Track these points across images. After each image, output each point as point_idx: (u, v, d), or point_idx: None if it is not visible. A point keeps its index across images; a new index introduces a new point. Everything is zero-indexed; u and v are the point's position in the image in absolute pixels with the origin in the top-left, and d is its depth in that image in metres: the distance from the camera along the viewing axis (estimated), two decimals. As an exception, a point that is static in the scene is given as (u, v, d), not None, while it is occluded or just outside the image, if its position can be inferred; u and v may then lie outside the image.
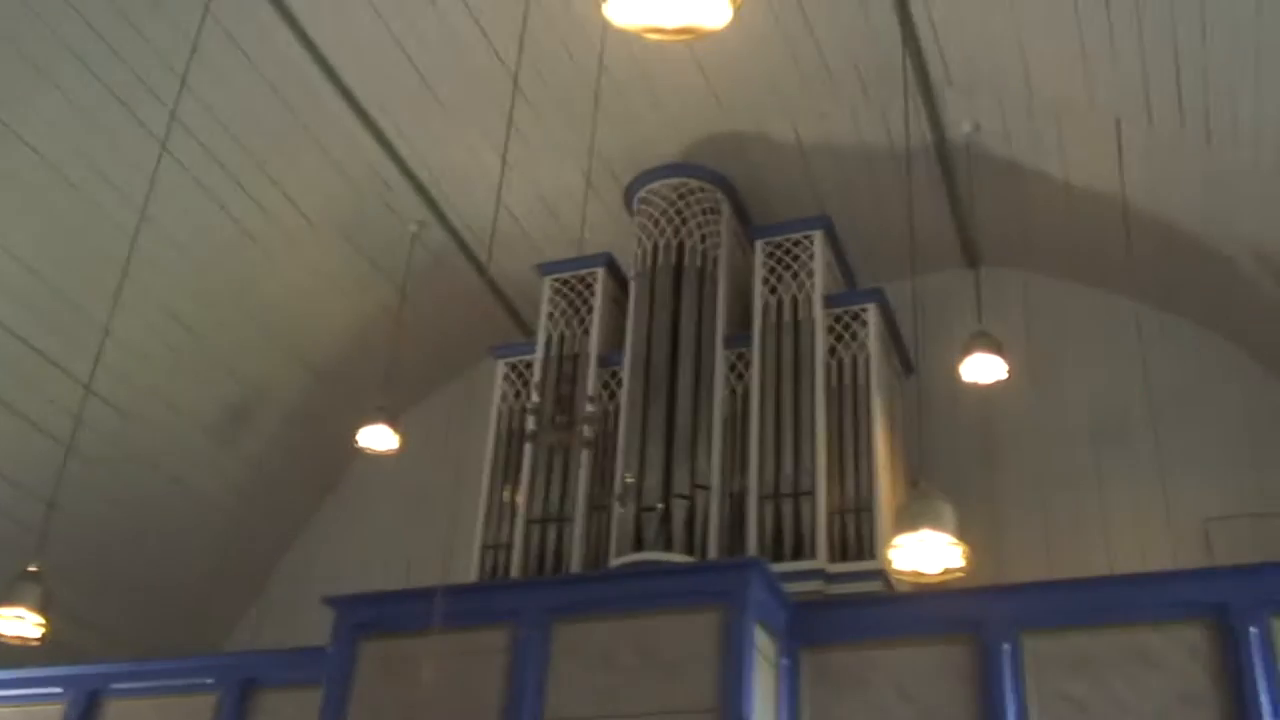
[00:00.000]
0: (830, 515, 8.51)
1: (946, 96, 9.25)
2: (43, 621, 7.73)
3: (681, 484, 8.67)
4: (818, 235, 9.64)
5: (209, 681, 8.63)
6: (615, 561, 8.53)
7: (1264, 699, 6.62)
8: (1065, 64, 8.38)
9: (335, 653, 7.91)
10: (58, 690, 8.91)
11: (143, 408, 10.46)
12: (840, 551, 8.39)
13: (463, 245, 11.04)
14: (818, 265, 9.49)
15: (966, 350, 8.94)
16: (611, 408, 9.54)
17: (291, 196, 10.27)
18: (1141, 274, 9.90)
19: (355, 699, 7.71)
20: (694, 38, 3.75)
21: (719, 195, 9.98)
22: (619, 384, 9.58)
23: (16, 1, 8.22)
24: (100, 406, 9.95)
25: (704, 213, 9.84)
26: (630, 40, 8.77)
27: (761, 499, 8.65)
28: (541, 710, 7.25)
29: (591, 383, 9.59)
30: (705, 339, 9.42)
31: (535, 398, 9.38)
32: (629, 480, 8.73)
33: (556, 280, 10.28)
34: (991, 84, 8.97)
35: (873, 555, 8.27)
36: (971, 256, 10.67)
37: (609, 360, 9.78)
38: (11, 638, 7.83)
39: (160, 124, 8.97)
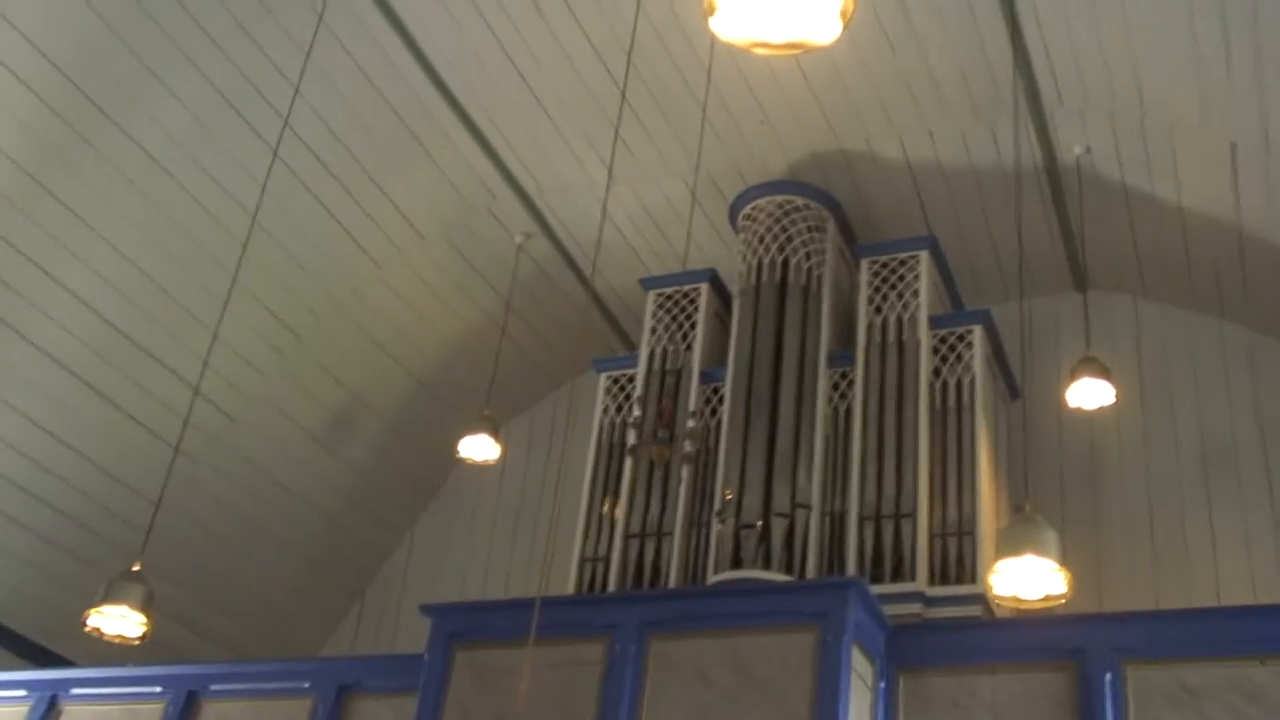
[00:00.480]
0: (931, 538, 8.42)
1: (1058, 117, 9.13)
2: (144, 621, 7.88)
3: (781, 502, 8.63)
4: (923, 255, 9.55)
5: (305, 685, 8.71)
6: (713, 578, 8.50)
7: (1375, 740, 6.43)
8: (1179, 86, 8.24)
9: (431, 660, 7.96)
10: (157, 689, 9.04)
11: (249, 412, 10.63)
12: (940, 575, 8.29)
13: (567, 257, 11.11)
14: (923, 285, 9.40)
15: (1074, 375, 8.82)
16: (713, 424, 9.52)
17: (399, 205, 10.41)
18: (1255, 301, 9.70)
19: (449, 707, 7.75)
20: (802, 53, 3.73)
21: (824, 213, 9.94)
22: (720, 400, 9.56)
23: (133, 6, 8.42)
24: (208, 409, 10.15)
25: (809, 230, 9.80)
26: (738, 55, 8.82)
27: (862, 519, 8.58)
28: (636, 724, 7.24)
29: (693, 398, 9.58)
30: (808, 357, 9.36)
31: (636, 411, 9.38)
32: (728, 497, 8.70)
33: (660, 295, 10.29)
34: (1103, 106, 8.84)
35: (973, 579, 8.16)
36: (1080, 280, 10.51)
37: (711, 376, 9.76)
38: (113, 636, 7.99)
39: (273, 131, 9.14)
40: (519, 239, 10.89)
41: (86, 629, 7.89)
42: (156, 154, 9.16)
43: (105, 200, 9.11)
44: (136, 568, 7.87)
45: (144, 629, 7.92)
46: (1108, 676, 6.94)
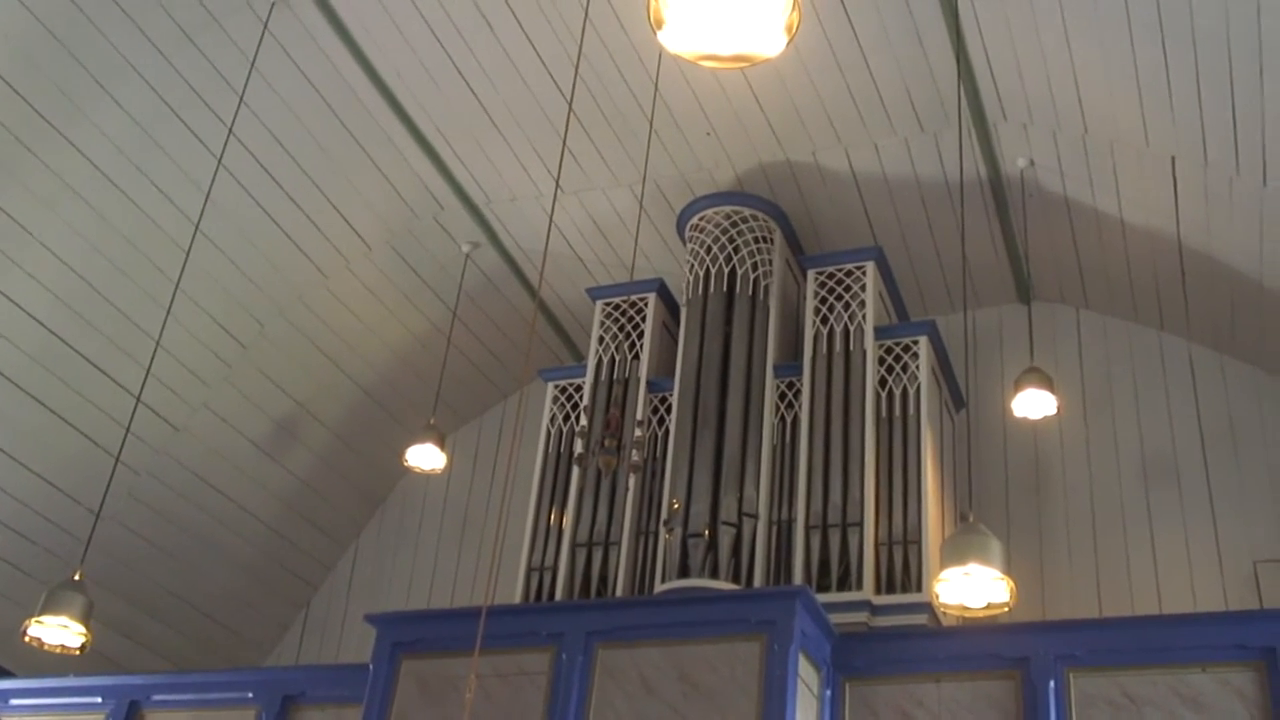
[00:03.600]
0: (877, 547, 8.46)
1: (1001, 131, 9.23)
2: (84, 631, 7.80)
3: (729, 511, 8.65)
4: (870, 266, 9.62)
5: (249, 695, 8.65)
6: (660, 587, 8.51)
7: (1314, 745, 6.53)
8: (1120, 102, 8.34)
9: (376, 670, 7.92)
10: (98, 700, 8.97)
11: (192, 421, 10.54)
12: (886, 583, 8.34)
13: (515, 267, 11.10)
14: (869, 296, 9.47)
15: (1018, 386, 8.90)
16: (660, 433, 9.54)
17: (346, 215, 10.37)
18: (1196, 313, 9.83)
19: (395, 717, 7.71)
20: (748, 66, 3.75)
21: (771, 224, 9.99)
22: (668, 410, 9.58)
23: (76, 14, 8.35)
24: (151, 418, 10.06)
25: (756, 241, 9.84)
26: (685, 68, 8.87)
27: (808, 529, 8.62)
28: (582, 734, 7.23)
29: (640, 408, 9.59)
30: (755, 367, 9.41)
31: (584, 421, 9.38)
32: (676, 506, 8.72)
33: (608, 304, 10.30)
34: (1046, 120, 8.94)
35: (919, 588, 8.21)
36: (1024, 291, 10.63)
37: (658, 386, 9.78)
38: (54, 646, 7.91)
39: (218, 140, 9.10)
40: (466, 249, 10.88)
41: (26, 639, 7.81)
42: (100, 162, 9.08)
43: (47, 208, 9.01)
44: (77, 577, 7.80)
45: (84, 639, 7.85)
46: (1052, 684, 7.01)
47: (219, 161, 9.08)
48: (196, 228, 9.09)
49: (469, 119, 9.74)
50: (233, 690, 8.77)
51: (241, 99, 9.03)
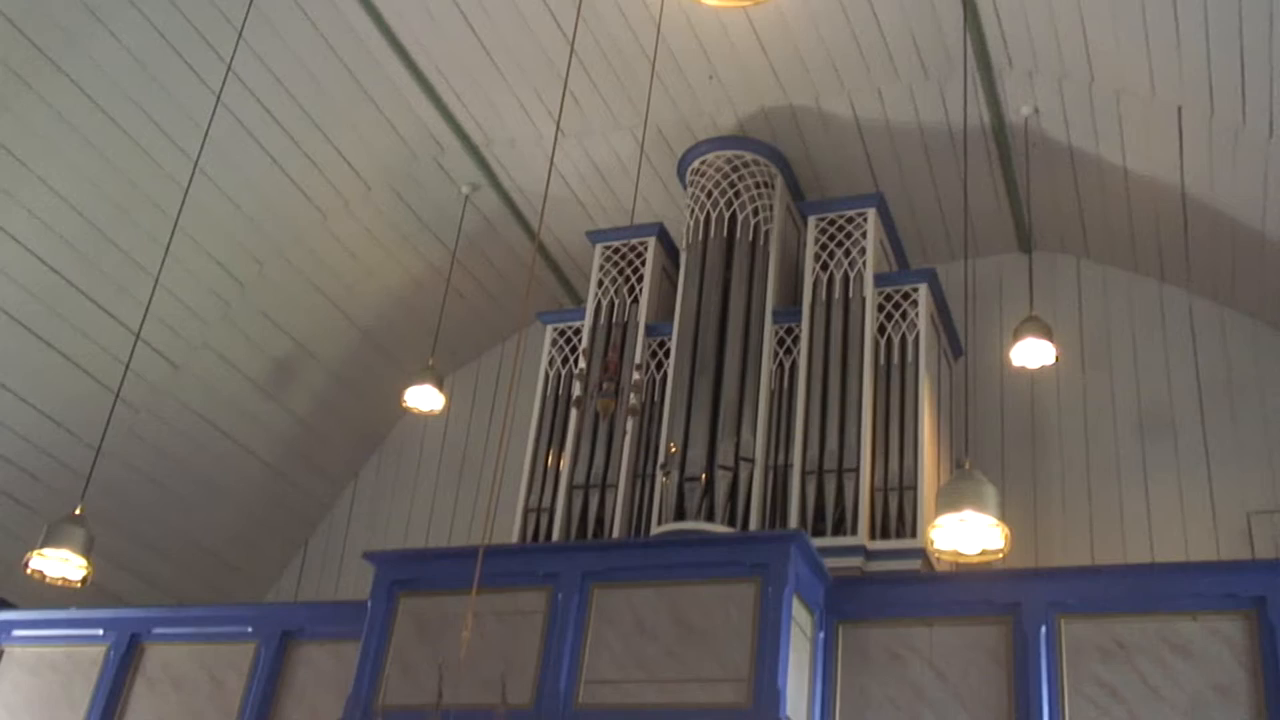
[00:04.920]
0: (873, 493, 8.50)
1: (1006, 79, 9.18)
2: (85, 564, 7.86)
3: (725, 456, 8.68)
4: (870, 213, 9.60)
5: (248, 630, 8.72)
6: (656, 530, 8.56)
7: (1300, 693, 6.59)
8: (1128, 50, 8.30)
9: (374, 607, 7.98)
10: (99, 632, 9.03)
11: (192, 360, 10.56)
12: (881, 529, 8.38)
13: (514, 210, 11.08)
14: (869, 243, 9.45)
15: (1016, 335, 8.91)
16: (658, 377, 9.56)
17: (345, 155, 10.33)
18: (1197, 264, 9.83)
19: (392, 654, 7.78)
20: (752, 5, 3.73)
21: (772, 169, 9.96)
22: (666, 354, 9.60)
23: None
24: (150, 355, 10.08)
25: (757, 186, 9.82)
26: (687, 9, 8.81)
27: (805, 474, 8.66)
28: (577, 673, 7.29)
29: (639, 352, 9.61)
30: (754, 313, 9.41)
31: (582, 364, 9.39)
32: (673, 450, 8.75)
33: (607, 248, 10.29)
34: (1052, 68, 8.89)
35: (914, 534, 8.25)
36: (1025, 240, 10.62)
37: (657, 330, 9.79)
38: (55, 579, 7.98)
39: (216, 77, 9.05)
40: (466, 190, 10.85)
41: (28, 572, 7.87)
42: (96, 96, 9.03)
43: (44, 143, 8.98)
44: (78, 512, 7.85)
45: (85, 572, 7.92)
46: (1042, 630, 7.06)
47: (218, 99, 9.03)
48: (195, 166, 9.06)
49: (470, 60, 9.69)
50: (233, 625, 8.84)
51: (240, 35, 8.97)
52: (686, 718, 6.87)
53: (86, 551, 7.88)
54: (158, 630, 8.97)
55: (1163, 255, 10.02)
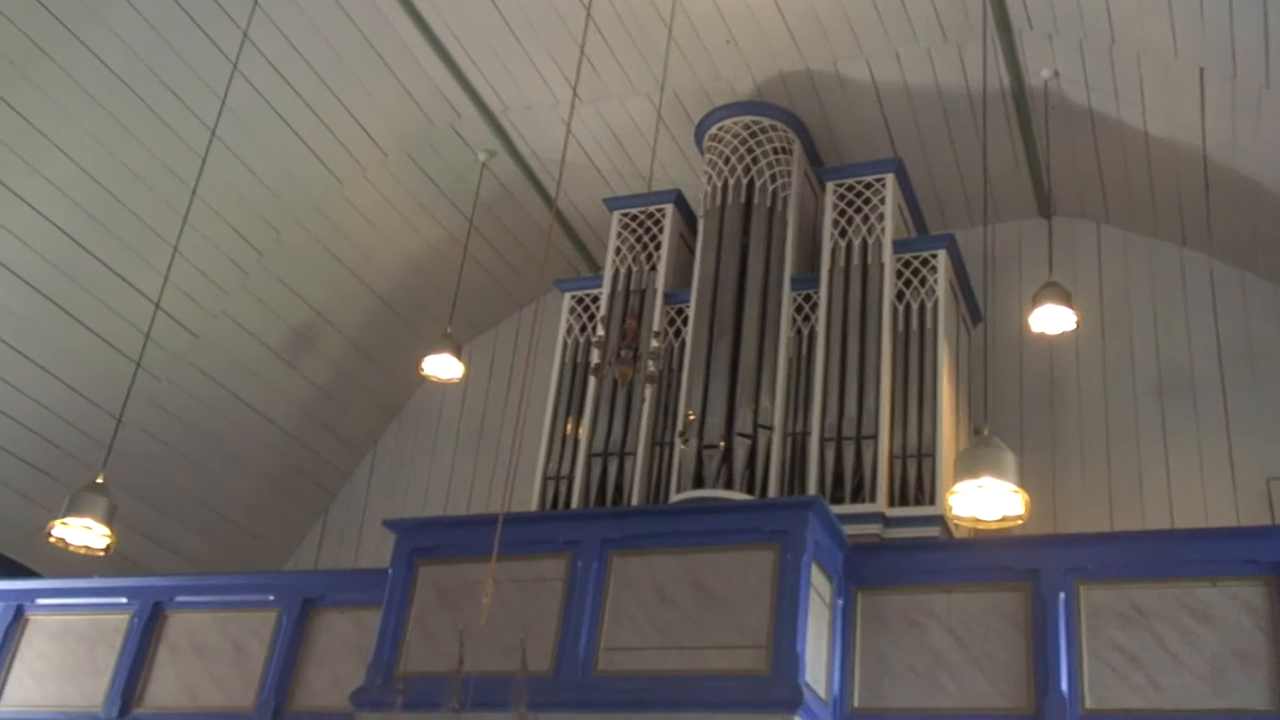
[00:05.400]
0: (891, 460, 8.50)
1: (1026, 41, 9.10)
2: (108, 533, 7.91)
3: (744, 423, 8.68)
4: (889, 179, 9.55)
5: (270, 598, 8.76)
6: (675, 497, 8.57)
7: (1320, 658, 6.58)
8: (1149, 11, 8.22)
9: (394, 575, 8.01)
10: (123, 600, 9.09)
11: (211, 328, 10.59)
12: (900, 496, 8.38)
13: (531, 176, 11.06)
14: (888, 209, 9.41)
15: (1036, 301, 8.88)
16: (676, 345, 9.55)
17: (362, 121, 10.32)
18: (1218, 229, 9.77)
19: (413, 621, 7.81)
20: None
21: (790, 135, 9.91)
22: (684, 321, 9.59)
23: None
24: (170, 325, 10.11)
25: (775, 152, 9.77)
26: (708, -26, 8.75)
27: (823, 441, 8.65)
28: (596, 640, 7.31)
29: (657, 319, 9.60)
30: (773, 279, 9.38)
31: (600, 332, 9.39)
32: (691, 417, 8.75)
33: (624, 215, 10.27)
34: (1073, 30, 8.82)
35: (932, 501, 8.25)
36: (1044, 205, 10.56)
37: (675, 297, 9.77)
38: (78, 547, 8.03)
39: (233, 45, 9.04)
40: (483, 157, 10.83)
41: (51, 540, 7.93)
42: (114, 65, 9.04)
43: (62, 112, 8.99)
44: (100, 480, 7.89)
45: (109, 541, 7.97)
46: (1062, 596, 7.05)
47: (234, 67, 9.03)
48: (213, 134, 9.06)
49: (486, 26, 9.65)
50: (254, 593, 8.88)
51: (256, 3, 8.97)
52: (705, 684, 6.89)
53: (109, 520, 7.94)
54: (180, 598, 9.02)
55: (1184, 219, 9.95)
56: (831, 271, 9.32)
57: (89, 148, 9.24)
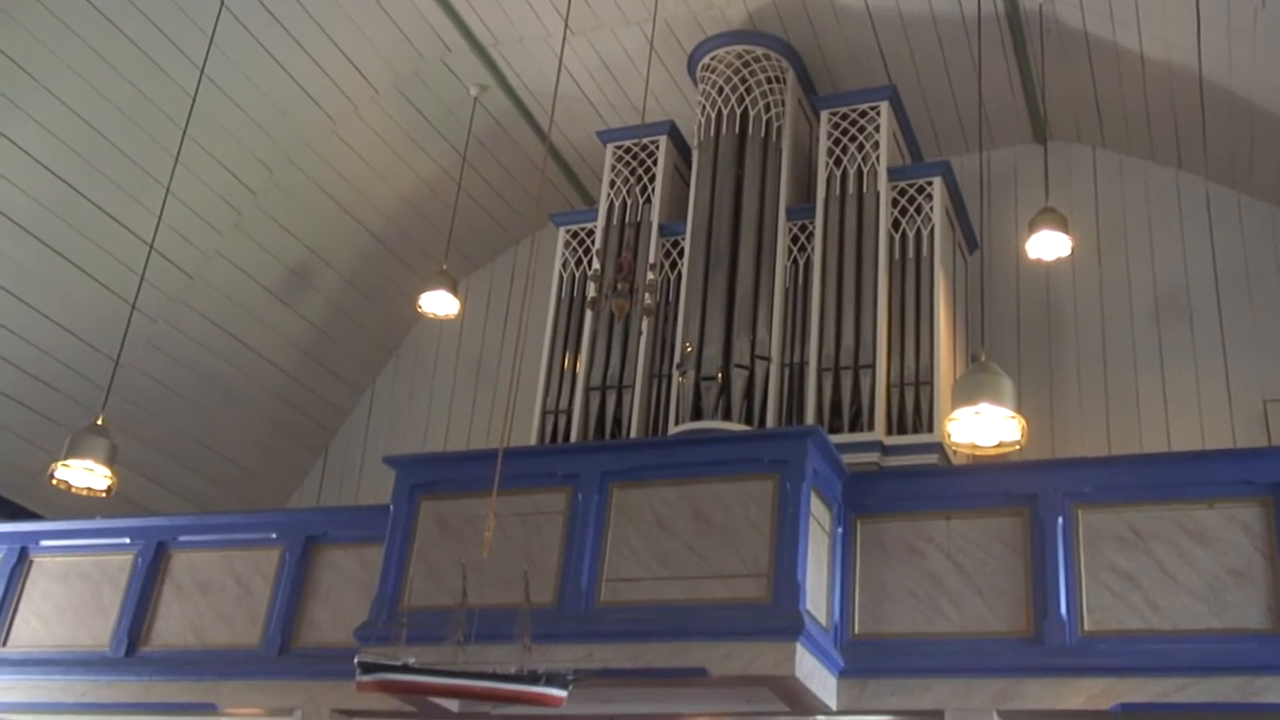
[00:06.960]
0: (889, 388, 8.51)
1: (1020, -37, 9.04)
2: (109, 474, 7.93)
3: (741, 354, 8.69)
4: (883, 106, 9.50)
5: (273, 536, 8.79)
6: (673, 429, 8.60)
7: (1317, 577, 6.64)
8: (1145, -69, 8.16)
9: (396, 511, 8.04)
10: (126, 540, 9.11)
11: (205, 267, 10.57)
12: (898, 424, 8.41)
13: (524, 110, 10.99)
14: (883, 137, 9.37)
15: (1032, 227, 8.85)
16: (672, 277, 9.54)
17: (351, 57, 10.24)
18: (1214, 151, 9.73)
19: (415, 556, 7.85)
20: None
21: (784, 63, 9.84)
22: (680, 253, 9.57)
23: None
24: (165, 266, 10.10)
25: (768, 81, 9.71)
26: (698, -99, 8.65)
27: (820, 370, 8.67)
28: (598, 572, 7.35)
29: (653, 251, 9.58)
30: (768, 209, 9.36)
31: (596, 265, 9.37)
32: (688, 349, 8.76)
33: (618, 148, 10.21)
34: (1068, -49, 8.76)
35: (930, 428, 8.27)
36: (1040, 131, 10.51)
37: (670, 229, 9.75)
38: (80, 489, 8.05)
39: (221, -21, 8.96)
40: (474, 91, 10.76)
41: (54, 482, 7.95)
42: (101, 4, 8.95)
43: (50, 53, 8.92)
44: (99, 422, 7.91)
45: (110, 482, 7.99)
46: (1060, 520, 7.09)
47: (222, 4, 8.95)
48: (202, 72, 9.00)
49: (476, -43, 9.56)
50: (257, 531, 8.90)
51: (243, -63, 8.90)
52: (707, 613, 6.94)
53: (110, 461, 7.96)
54: (183, 538, 9.05)
55: (1180, 143, 9.91)
56: (827, 201, 9.29)
57: (77, 88, 9.17)
